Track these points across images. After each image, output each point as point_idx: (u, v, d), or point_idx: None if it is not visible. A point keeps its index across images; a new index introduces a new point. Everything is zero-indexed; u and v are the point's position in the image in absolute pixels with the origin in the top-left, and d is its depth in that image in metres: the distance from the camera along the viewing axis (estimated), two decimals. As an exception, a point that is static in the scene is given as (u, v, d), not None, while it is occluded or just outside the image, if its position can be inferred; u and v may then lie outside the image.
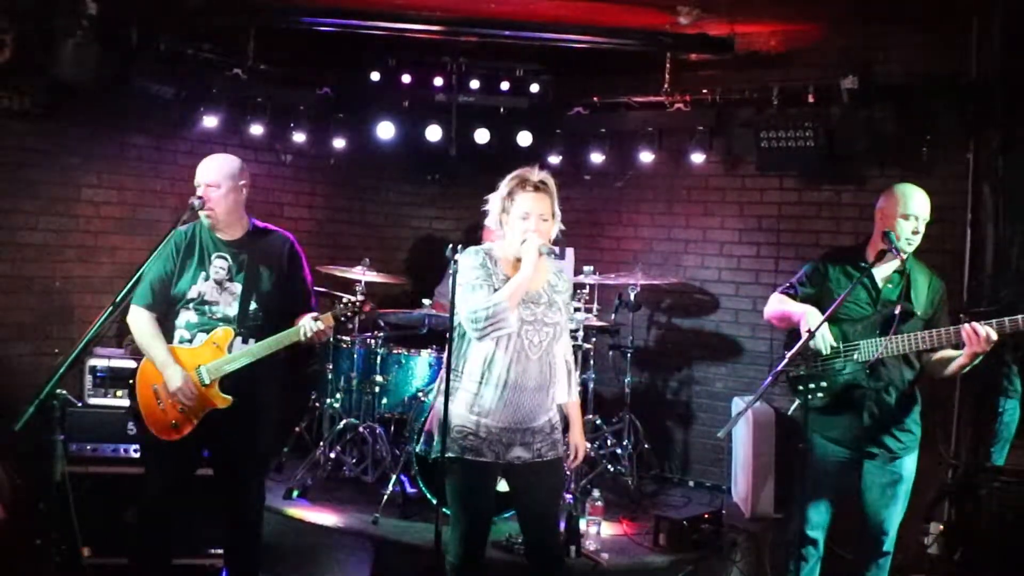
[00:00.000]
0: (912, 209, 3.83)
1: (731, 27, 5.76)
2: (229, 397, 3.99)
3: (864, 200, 5.89)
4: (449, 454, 3.55)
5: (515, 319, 3.50)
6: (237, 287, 4.03)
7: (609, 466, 6.17)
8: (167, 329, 4.01)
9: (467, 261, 3.61)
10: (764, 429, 5.80)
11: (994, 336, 3.50)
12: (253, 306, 4.04)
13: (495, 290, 3.52)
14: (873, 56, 5.71)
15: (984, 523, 4.84)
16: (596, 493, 5.24)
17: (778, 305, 4.12)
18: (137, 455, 4.72)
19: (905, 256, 3.79)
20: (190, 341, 4.00)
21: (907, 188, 3.91)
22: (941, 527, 5.23)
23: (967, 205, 5.58)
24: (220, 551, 4.64)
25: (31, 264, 5.45)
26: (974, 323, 3.53)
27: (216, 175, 4.00)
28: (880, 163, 5.82)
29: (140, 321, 3.99)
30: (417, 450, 3.74)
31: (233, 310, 4.02)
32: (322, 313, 4.03)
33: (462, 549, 3.64)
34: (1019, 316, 3.50)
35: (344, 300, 4.10)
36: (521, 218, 3.55)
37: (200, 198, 3.94)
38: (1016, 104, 5.19)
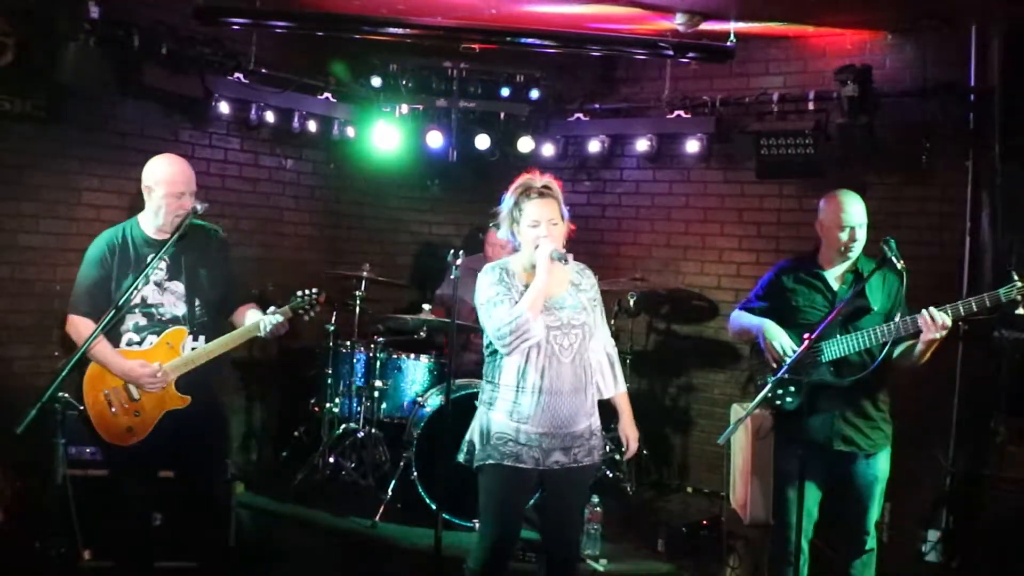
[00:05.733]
0: (847, 221, 3.92)
1: (731, 34, 5.76)
2: (187, 396, 3.96)
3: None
4: (490, 461, 3.55)
5: (540, 327, 3.49)
6: (177, 286, 3.98)
7: (608, 472, 6.18)
8: (112, 335, 3.89)
9: (485, 279, 3.62)
10: (762, 435, 5.80)
11: (948, 321, 3.59)
12: (197, 303, 4.01)
13: (517, 302, 3.52)
14: (873, 64, 5.72)
15: (982, 531, 4.84)
16: (595, 499, 5.24)
17: (737, 320, 4.25)
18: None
19: (900, 262, 3.83)
20: (139, 344, 3.93)
21: (840, 199, 3.98)
22: (939, 534, 5.23)
23: (966, 213, 5.60)
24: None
25: (32, 267, 5.44)
26: (931, 309, 3.61)
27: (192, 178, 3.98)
28: (879, 170, 5.83)
29: (83, 329, 3.86)
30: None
31: (181, 309, 3.98)
32: (279, 308, 4.05)
33: (488, 557, 3.61)
34: (971, 299, 3.60)
35: (300, 293, 4.11)
36: (531, 226, 3.56)
37: (203, 203, 3.93)
38: (1015, 112, 5.20)
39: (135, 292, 3.81)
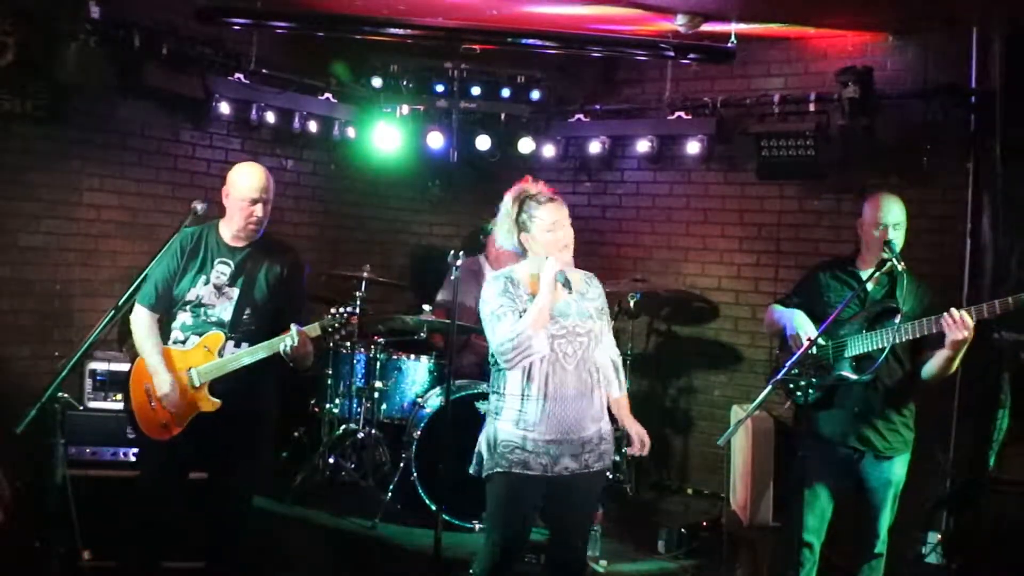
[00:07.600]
0: (884, 219, 3.98)
1: (732, 35, 5.77)
2: (217, 401, 3.95)
3: (864, 209, 5.92)
4: (497, 469, 3.52)
5: (542, 342, 3.46)
6: (235, 292, 4.00)
7: (608, 473, 6.16)
8: (164, 330, 4.00)
9: (489, 290, 3.58)
10: (763, 437, 5.79)
11: (969, 320, 3.58)
12: (247, 312, 4.01)
13: (520, 314, 3.48)
14: (874, 65, 5.73)
15: (982, 533, 4.84)
16: (595, 500, 5.24)
17: (770, 314, 4.31)
18: (136, 459, 4.70)
19: (901, 263, 3.85)
20: (183, 343, 3.97)
21: (879, 198, 4.06)
22: (939, 536, 5.23)
23: (967, 214, 5.60)
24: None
25: (32, 267, 5.44)
26: (952, 309, 3.62)
27: (270, 189, 4.05)
28: (881, 172, 5.83)
29: (140, 320, 3.97)
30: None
31: (227, 314, 3.98)
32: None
33: (494, 564, 3.58)
34: (996, 301, 3.60)
35: (333, 311, 4.07)
36: (547, 230, 3.52)
37: (203, 203, 3.93)
38: (1017, 113, 5.20)
39: (190, 290, 3.93)
